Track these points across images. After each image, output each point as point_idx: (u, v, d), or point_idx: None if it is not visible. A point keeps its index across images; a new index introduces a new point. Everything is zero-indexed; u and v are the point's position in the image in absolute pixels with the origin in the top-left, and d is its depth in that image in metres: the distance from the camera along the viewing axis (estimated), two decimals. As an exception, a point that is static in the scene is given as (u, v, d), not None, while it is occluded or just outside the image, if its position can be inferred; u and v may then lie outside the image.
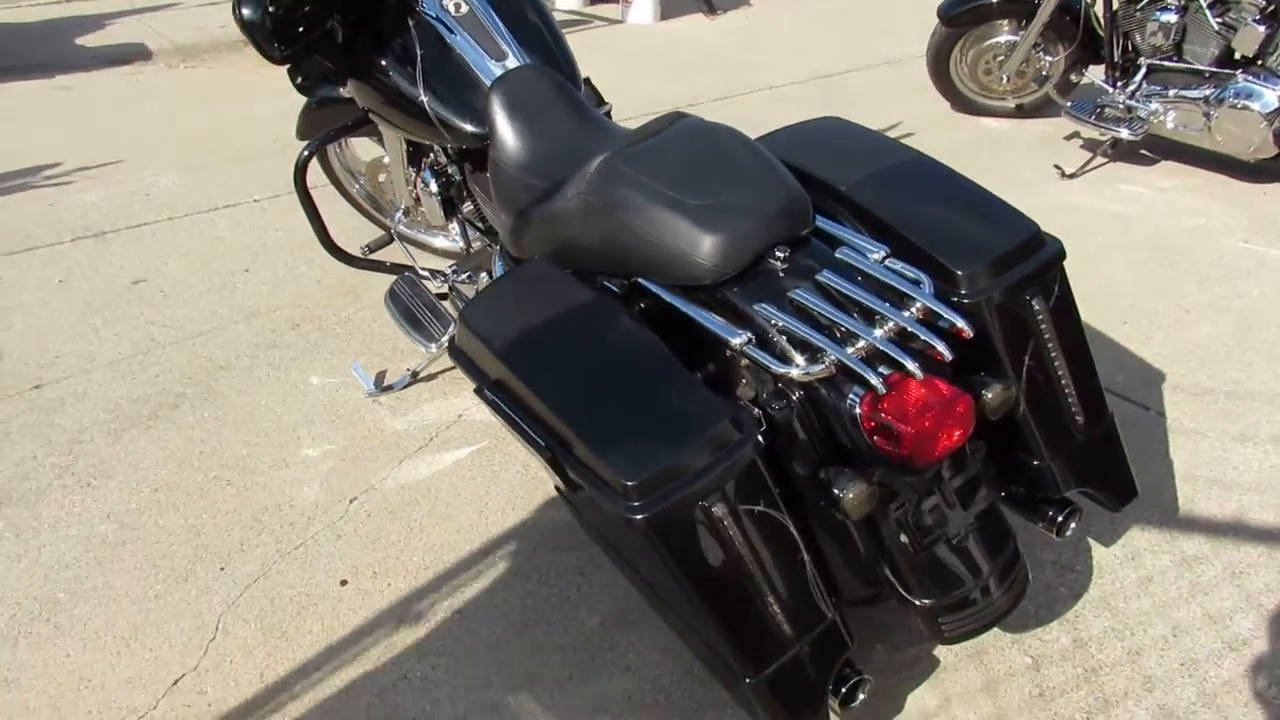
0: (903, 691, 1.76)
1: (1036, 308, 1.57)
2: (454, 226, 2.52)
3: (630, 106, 4.45)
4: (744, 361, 1.52)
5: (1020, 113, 4.41)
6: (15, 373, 2.79)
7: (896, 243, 1.57)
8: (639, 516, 1.27)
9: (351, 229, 3.12)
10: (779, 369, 1.42)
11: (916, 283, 1.49)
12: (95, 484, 2.34)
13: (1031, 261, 1.56)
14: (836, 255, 1.54)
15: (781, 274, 1.51)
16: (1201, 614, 1.90)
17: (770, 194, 1.56)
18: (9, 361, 2.84)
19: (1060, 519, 1.68)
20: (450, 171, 2.41)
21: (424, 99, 2.14)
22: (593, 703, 1.77)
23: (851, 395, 1.40)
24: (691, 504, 1.29)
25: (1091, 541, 2.07)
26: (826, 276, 1.49)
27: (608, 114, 2.45)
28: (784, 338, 1.45)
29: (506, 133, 2.04)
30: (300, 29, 2.12)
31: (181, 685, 1.82)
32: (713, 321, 1.50)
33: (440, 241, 2.89)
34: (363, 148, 3.09)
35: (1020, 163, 4.00)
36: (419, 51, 2.16)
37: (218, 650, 1.89)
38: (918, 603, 1.52)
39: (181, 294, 3.19)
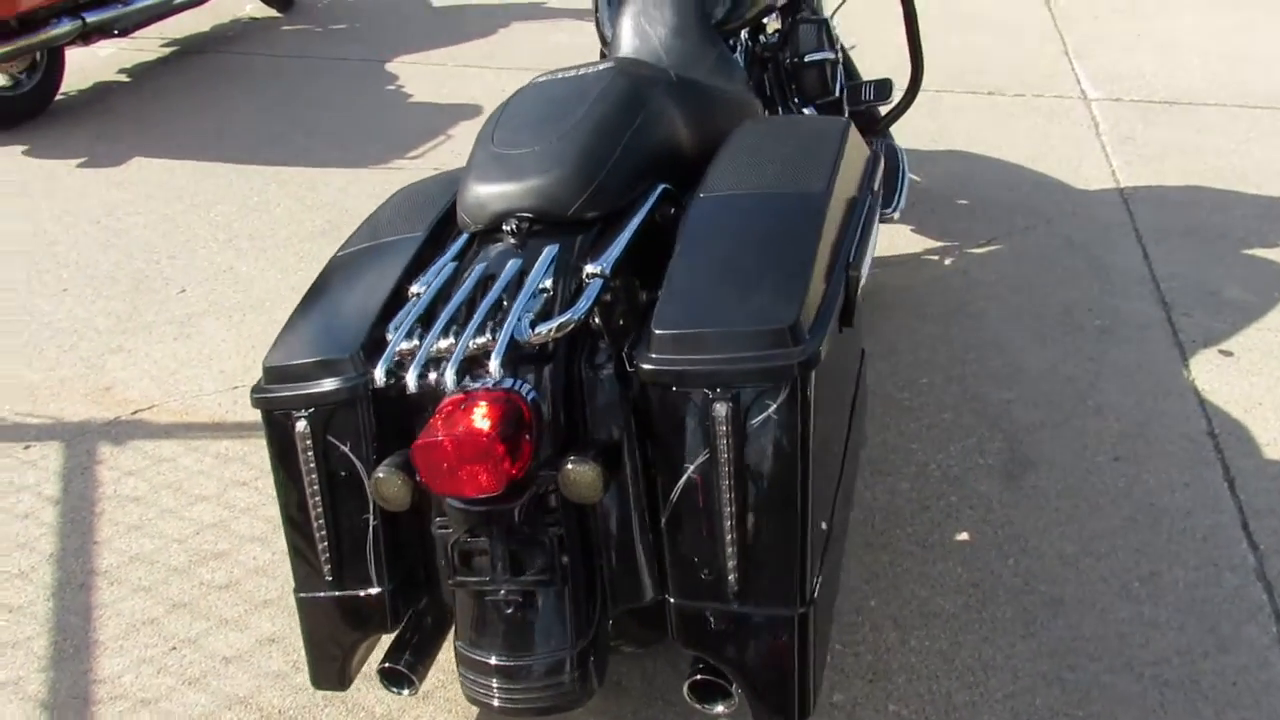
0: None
1: (719, 413, 1.20)
2: None
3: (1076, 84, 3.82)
4: None
5: None
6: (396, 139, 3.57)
7: (663, 270, 1.35)
8: (251, 395, 1.38)
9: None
10: (390, 333, 1.32)
11: (568, 309, 1.27)
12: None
13: (740, 360, 1.18)
14: (543, 250, 1.35)
15: (490, 247, 1.41)
16: None
17: (548, 162, 1.43)
18: (398, 136, 3.66)
19: (700, 678, 1.32)
20: None
21: None
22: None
23: (453, 382, 1.22)
24: (283, 408, 1.34)
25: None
26: (506, 267, 1.33)
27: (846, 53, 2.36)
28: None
29: (616, 43, 2.07)
30: None
31: (236, 391, 2.36)
32: (429, 268, 1.43)
33: None
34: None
35: None
36: None
37: (285, 380, 2.39)
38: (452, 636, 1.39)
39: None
